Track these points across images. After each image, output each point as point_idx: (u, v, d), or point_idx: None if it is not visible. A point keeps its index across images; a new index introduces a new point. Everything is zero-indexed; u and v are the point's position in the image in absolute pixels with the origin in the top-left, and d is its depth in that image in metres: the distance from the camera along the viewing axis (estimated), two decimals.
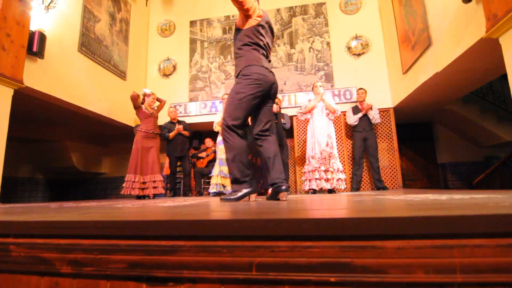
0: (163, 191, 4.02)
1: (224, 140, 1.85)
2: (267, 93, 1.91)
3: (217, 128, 4.48)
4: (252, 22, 1.91)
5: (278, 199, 1.82)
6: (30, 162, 6.09)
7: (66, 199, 6.48)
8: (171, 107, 5.16)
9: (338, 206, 1.13)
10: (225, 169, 4.21)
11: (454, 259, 0.52)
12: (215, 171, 4.30)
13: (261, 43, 1.94)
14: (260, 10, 1.96)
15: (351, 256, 0.54)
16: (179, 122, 5.05)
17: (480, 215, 0.54)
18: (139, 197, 3.83)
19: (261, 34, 1.95)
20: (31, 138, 5.44)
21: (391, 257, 0.53)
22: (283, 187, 1.81)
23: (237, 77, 1.92)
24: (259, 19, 1.92)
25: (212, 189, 4.23)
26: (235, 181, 1.83)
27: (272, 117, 2.06)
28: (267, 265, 0.56)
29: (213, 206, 1.37)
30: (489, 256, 0.51)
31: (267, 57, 2.00)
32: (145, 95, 4.10)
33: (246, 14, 1.87)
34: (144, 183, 3.83)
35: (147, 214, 0.96)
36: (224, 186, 4.23)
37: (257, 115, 1.95)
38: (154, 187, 3.89)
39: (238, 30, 1.96)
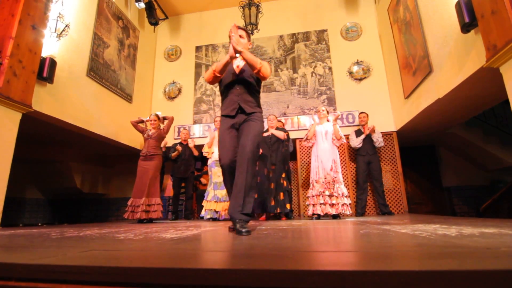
0: (161, 215, 3.94)
1: (253, 168, 1.88)
2: None
3: (206, 149, 4.35)
4: None
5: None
6: (32, 183, 6.08)
7: (68, 220, 6.41)
8: (184, 129, 5.46)
9: (344, 244, 1.10)
10: (219, 193, 4.09)
11: None
12: (209, 195, 4.14)
13: None
14: None
15: None
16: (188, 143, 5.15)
17: (495, 270, 0.52)
18: (140, 221, 3.78)
19: None
20: (34, 159, 5.47)
21: None
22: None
23: (251, 113, 2.04)
24: None
25: (207, 216, 4.10)
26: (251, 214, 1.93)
27: None
28: None
29: (217, 242, 1.34)
30: None
31: None
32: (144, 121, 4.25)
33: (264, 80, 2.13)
34: (138, 206, 3.76)
35: (150, 254, 0.94)
36: (216, 212, 4.07)
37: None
38: (153, 211, 3.83)
39: (258, 79, 2.13)
